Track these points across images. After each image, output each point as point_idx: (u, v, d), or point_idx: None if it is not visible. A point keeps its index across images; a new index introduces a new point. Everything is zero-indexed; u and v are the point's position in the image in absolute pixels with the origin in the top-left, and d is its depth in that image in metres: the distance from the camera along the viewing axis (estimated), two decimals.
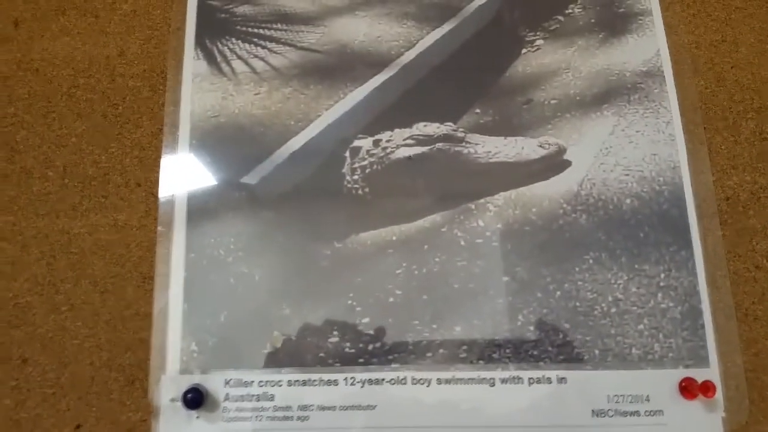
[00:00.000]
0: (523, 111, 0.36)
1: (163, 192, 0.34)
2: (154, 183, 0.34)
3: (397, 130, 0.35)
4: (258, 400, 0.30)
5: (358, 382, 0.30)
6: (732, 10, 0.39)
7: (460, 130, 0.35)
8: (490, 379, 0.31)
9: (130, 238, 0.33)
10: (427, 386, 0.30)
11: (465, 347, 0.31)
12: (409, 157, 0.35)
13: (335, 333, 0.31)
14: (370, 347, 0.31)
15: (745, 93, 0.38)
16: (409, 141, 0.35)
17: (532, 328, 0.32)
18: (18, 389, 0.31)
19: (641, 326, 0.32)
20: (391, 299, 0.32)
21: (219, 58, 0.37)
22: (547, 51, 0.38)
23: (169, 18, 0.38)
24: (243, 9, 0.38)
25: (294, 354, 0.31)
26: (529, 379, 0.31)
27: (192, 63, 0.37)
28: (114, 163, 0.35)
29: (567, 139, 0.36)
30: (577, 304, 0.32)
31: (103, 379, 0.31)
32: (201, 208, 0.33)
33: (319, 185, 0.34)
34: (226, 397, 0.30)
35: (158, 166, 0.35)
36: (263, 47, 0.37)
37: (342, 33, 0.38)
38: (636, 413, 0.30)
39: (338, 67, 0.37)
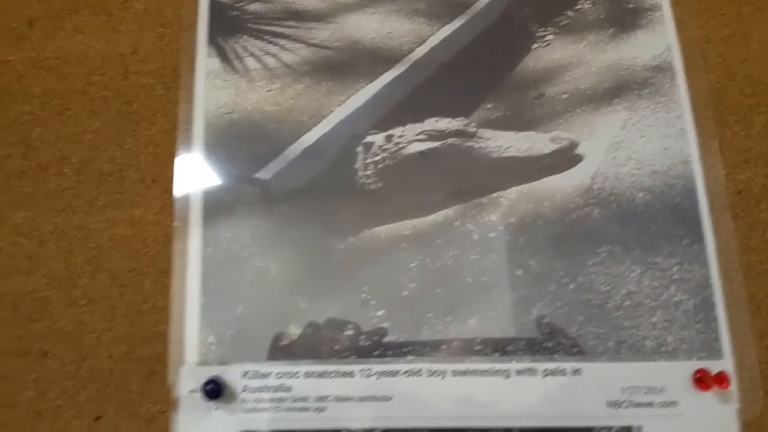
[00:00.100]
0: (534, 106, 0.37)
1: (179, 188, 0.35)
2: (170, 179, 0.35)
3: (409, 126, 0.36)
4: (275, 392, 0.31)
5: (373, 374, 0.31)
6: (742, 5, 0.40)
7: (472, 125, 0.36)
8: (505, 371, 0.31)
9: (147, 233, 0.34)
10: (442, 378, 0.31)
11: (479, 340, 0.32)
12: (422, 152, 0.35)
13: (350, 326, 0.32)
14: (385, 340, 0.32)
15: (756, 87, 0.38)
16: (421, 136, 0.35)
17: (546, 320, 0.32)
18: (38, 381, 0.32)
19: (654, 319, 0.32)
20: (405, 292, 0.32)
21: (231, 56, 0.38)
22: (558, 46, 0.39)
23: (181, 16, 0.39)
24: (254, 6, 0.39)
25: (310, 346, 0.31)
26: (544, 371, 0.31)
27: (205, 60, 0.38)
28: (129, 160, 0.36)
29: (578, 133, 0.36)
30: (591, 297, 0.33)
31: (122, 372, 0.32)
32: (216, 204, 0.34)
33: (333, 180, 0.35)
34: (244, 389, 0.31)
35: (173, 163, 0.35)
36: (275, 44, 0.38)
37: (353, 29, 0.39)
38: (650, 404, 0.31)
39: (350, 64, 0.38)
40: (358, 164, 0.35)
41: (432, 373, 0.31)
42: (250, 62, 0.38)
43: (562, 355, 0.32)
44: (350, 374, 0.31)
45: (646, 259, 0.34)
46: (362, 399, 0.31)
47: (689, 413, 0.31)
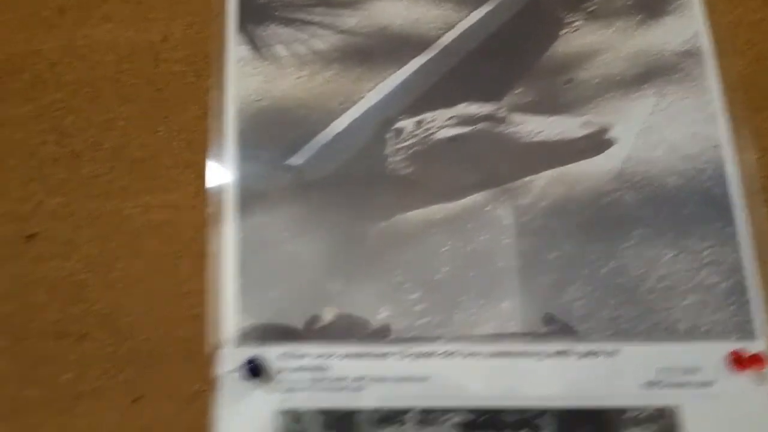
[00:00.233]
0: (564, 90, 0.37)
1: (212, 174, 0.36)
2: (202, 165, 0.36)
3: (439, 111, 0.37)
4: (312, 372, 0.31)
5: (408, 355, 0.32)
6: None
7: (503, 110, 0.37)
8: (539, 353, 0.32)
9: (182, 219, 0.35)
10: (477, 360, 0.32)
11: (513, 322, 0.32)
12: (452, 138, 0.36)
13: (385, 308, 0.33)
14: (419, 322, 0.32)
15: None
16: (452, 121, 0.36)
17: (579, 303, 0.33)
18: (77, 363, 0.33)
19: (688, 301, 0.33)
20: (438, 276, 0.33)
21: (261, 43, 0.39)
22: (586, 32, 0.39)
23: (210, 3, 0.40)
24: None
25: (346, 328, 0.32)
26: (578, 353, 0.32)
27: (234, 48, 0.38)
28: (162, 146, 0.37)
29: (609, 118, 0.37)
30: (624, 280, 0.33)
31: (161, 353, 0.33)
32: (249, 189, 0.35)
33: (364, 166, 0.36)
34: (282, 370, 0.32)
35: (205, 149, 0.36)
36: (304, 31, 0.39)
37: (381, 16, 0.39)
38: (686, 385, 0.31)
39: (379, 50, 0.38)
40: (389, 150, 0.36)
41: (466, 356, 0.32)
42: (280, 49, 0.38)
43: (596, 337, 0.32)
44: (386, 356, 0.32)
45: (678, 242, 0.34)
46: (398, 380, 0.31)
47: (725, 393, 0.31)
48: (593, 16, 0.40)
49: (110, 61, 0.39)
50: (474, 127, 0.36)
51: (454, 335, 0.32)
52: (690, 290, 0.33)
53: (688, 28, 0.39)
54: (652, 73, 0.38)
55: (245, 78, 0.38)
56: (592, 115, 0.37)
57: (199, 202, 0.35)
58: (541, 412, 0.31)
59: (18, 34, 0.40)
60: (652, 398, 0.31)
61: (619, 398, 0.31)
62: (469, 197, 0.35)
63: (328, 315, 0.33)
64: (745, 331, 0.32)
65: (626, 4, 0.40)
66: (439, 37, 0.39)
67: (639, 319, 0.33)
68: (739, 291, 0.33)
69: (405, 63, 0.38)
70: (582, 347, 0.32)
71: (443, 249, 0.34)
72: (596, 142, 0.36)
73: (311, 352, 0.32)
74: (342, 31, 0.39)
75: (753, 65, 0.39)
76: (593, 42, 0.39)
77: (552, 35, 0.39)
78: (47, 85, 0.39)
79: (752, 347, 0.32)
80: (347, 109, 0.37)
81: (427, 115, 0.37)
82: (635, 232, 0.34)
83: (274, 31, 0.39)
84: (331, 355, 0.32)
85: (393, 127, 0.36)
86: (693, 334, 0.32)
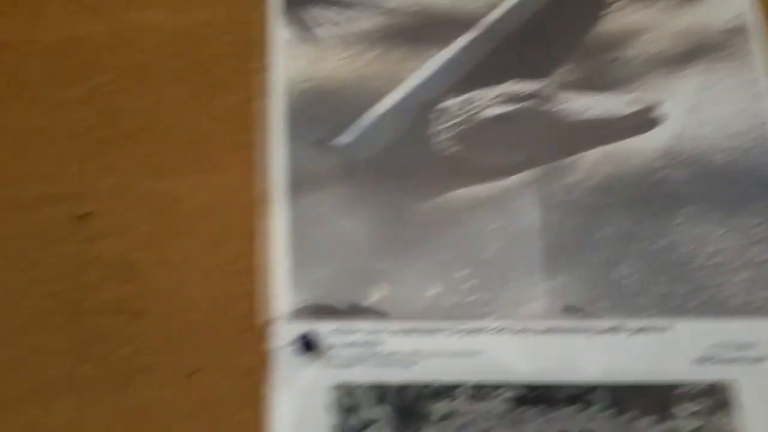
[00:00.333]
0: (611, 68, 0.38)
1: (260, 154, 0.36)
2: (251, 146, 0.37)
3: (485, 89, 0.37)
4: (364, 348, 0.32)
5: (458, 331, 0.33)
6: None
7: (549, 88, 0.37)
8: (590, 330, 0.32)
9: (232, 199, 0.36)
10: (527, 337, 0.32)
11: (563, 300, 0.33)
12: (499, 116, 0.36)
13: (434, 285, 0.33)
14: (469, 299, 0.33)
15: None
16: (498, 100, 0.37)
17: (630, 280, 0.33)
18: (132, 340, 0.34)
19: (739, 278, 0.33)
20: (487, 254, 0.34)
21: (305, 24, 0.39)
22: (631, 10, 0.39)
23: None
24: None
25: (397, 305, 0.33)
26: (630, 329, 0.32)
27: (279, 30, 0.39)
28: (210, 128, 0.38)
29: (656, 95, 0.37)
30: (675, 257, 0.34)
31: (214, 329, 0.34)
32: (297, 169, 0.36)
33: (409, 145, 0.36)
34: (334, 345, 0.32)
35: (253, 130, 0.37)
36: (348, 12, 0.40)
37: None
38: (739, 360, 0.32)
39: (423, 29, 0.39)
40: (434, 129, 0.36)
41: (517, 332, 0.32)
42: (324, 31, 0.39)
43: (647, 314, 0.33)
44: (436, 332, 0.33)
45: (727, 220, 0.34)
46: (449, 355, 0.32)
47: None
48: None
49: (157, 44, 0.40)
50: (520, 105, 0.37)
51: (504, 312, 0.33)
52: (741, 267, 0.33)
53: (733, 5, 0.39)
54: (698, 50, 0.38)
55: (290, 60, 0.38)
56: (640, 93, 0.37)
57: (249, 183, 0.36)
58: (593, 388, 0.31)
59: (67, 18, 0.41)
60: (704, 373, 0.31)
61: (672, 373, 0.32)
62: (516, 176, 0.35)
63: (378, 292, 0.33)
64: None
65: None
66: (483, 15, 0.39)
67: (690, 295, 0.33)
68: None
69: (449, 42, 0.38)
70: (633, 324, 0.32)
71: (491, 227, 0.34)
72: (644, 120, 0.36)
73: (363, 327, 0.33)
74: (386, 12, 0.39)
75: None
76: (638, 20, 0.39)
77: (597, 13, 0.39)
78: (95, 68, 0.40)
79: None
80: (392, 89, 0.37)
81: (473, 94, 0.37)
82: (684, 210, 0.35)
83: (318, 12, 0.40)
84: (382, 331, 0.33)
85: (439, 106, 0.37)
86: (745, 310, 0.33)
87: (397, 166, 0.36)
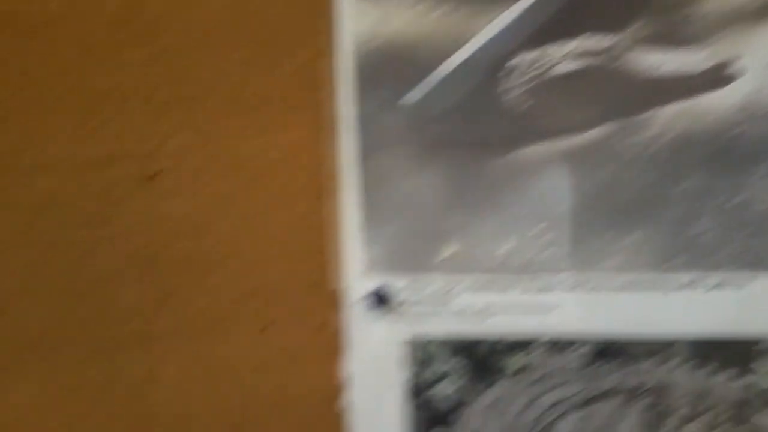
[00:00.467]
0: (686, 23, 0.37)
1: (329, 113, 0.37)
2: (320, 104, 0.37)
3: (556, 45, 0.37)
4: (437, 303, 0.33)
5: (532, 287, 0.33)
6: None
7: (623, 43, 0.37)
8: (668, 285, 0.33)
9: (300, 158, 0.37)
10: (602, 293, 0.33)
11: (640, 255, 0.33)
12: (572, 72, 0.37)
13: (508, 240, 0.34)
14: (544, 254, 0.34)
15: None
16: (570, 55, 0.37)
17: (707, 235, 0.33)
18: (206, 295, 0.36)
19: None
20: (562, 208, 0.34)
21: None
22: None
23: None
24: None
25: (468, 261, 0.34)
26: (708, 284, 0.33)
27: None
28: (278, 87, 0.38)
29: (733, 50, 0.37)
30: (752, 212, 0.34)
31: (287, 285, 0.35)
32: (366, 127, 0.36)
33: (481, 101, 0.37)
34: (407, 300, 0.33)
35: (322, 88, 0.38)
36: None
37: None
38: None
39: None
40: (506, 86, 0.37)
41: (593, 288, 0.33)
42: None
43: (724, 270, 0.33)
44: (509, 287, 0.33)
45: None
46: (523, 311, 0.33)
47: None
48: None
49: (221, 4, 0.41)
50: (594, 60, 0.37)
51: (579, 268, 0.33)
52: None
53: None
54: None
55: (358, 18, 0.39)
56: (716, 48, 0.37)
57: (316, 142, 0.37)
58: (670, 343, 0.32)
59: None
60: None
61: (752, 329, 0.32)
62: (589, 132, 0.36)
63: (449, 248, 0.34)
64: None
65: None
66: None
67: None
68: None
69: None
70: (711, 279, 0.33)
71: (566, 182, 0.35)
72: (720, 76, 0.36)
73: (437, 281, 0.34)
74: None
75: None
76: None
77: None
78: (159, 31, 0.41)
79: None
80: (462, 45, 0.38)
81: (546, 49, 0.37)
82: (761, 165, 0.35)
83: None
84: (455, 286, 0.33)
85: (510, 62, 0.37)
86: None
87: (467, 124, 0.36)
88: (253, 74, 0.39)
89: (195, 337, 0.35)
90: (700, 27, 0.37)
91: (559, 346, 0.32)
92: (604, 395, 0.31)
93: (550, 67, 0.37)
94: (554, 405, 0.32)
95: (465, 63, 0.37)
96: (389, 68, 0.38)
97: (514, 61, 0.37)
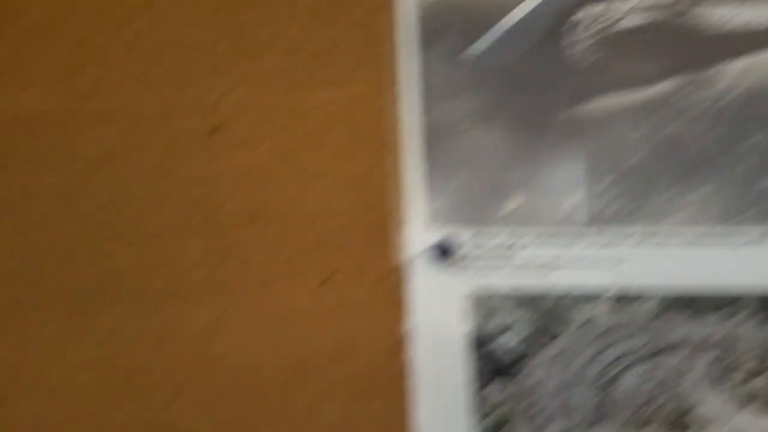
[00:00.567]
0: None
1: (392, 64, 0.38)
2: (382, 57, 0.38)
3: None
4: (502, 255, 0.34)
5: (600, 240, 0.33)
6: None
7: None
8: (736, 240, 0.33)
9: (364, 109, 0.37)
10: (670, 247, 0.33)
11: (707, 210, 0.34)
12: (639, 25, 0.36)
13: (575, 193, 0.34)
14: (611, 207, 0.34)
15: None
16: (638, 8, 0.37)
17: None
18: (269, 245, 0.36)
19: None
20: (630, 162, 0.34)
21: None
22: None
23: None
24: None
25: (535, 213, 0.34)
26: None
27: None
28: (340, 39, 0.39)
29: None
30: None
31: (351, 235, 0.36)
32: (429, 79, 0.37)
33: (546, 54, 0.37)
34: (471, 252, 0.34)
35: (384, 41, 0.38)
36: None
37: None
38: None
39: None
40: (571, 38, 0.37)
41: (660, 242, 0.33)
42: None
43: None
44: (576, 240, 0.34)
45: None
46: (589, 264, 0.33)
47: None
48: None
49: None
50: (662, 14, 0.36)
51: (648, 222, 0.34)
52: None
53: None
54: None
55: None
56: None
57: (379, 95, 0.37)
58: (738, 297, 0.32)
59: None
60: None
61: None
62: (656, 86, 0.36)
63: (514, 201, 0.34)
64: None
65: None
66: None
67: None
68: None
69: None
70: None
71: (634, 136, 0.35)
72: None
73: (500, 234, 0.34)
74: None
75: None
76: None
77: None
78: None
79: None
80: None
81: (610, 4, 0.37)
82: None
83: None
84: (520, 238, 0.34)
85: (575, 15, 0.37)
86: None
87: (532, 77, 0.36)
88: (314, 27, 0.39)
89: (257, 288, 0.36)
90: None
91: (625, 300, 0.33)
92: (671, 348, 0.32)
93: (616, 22, 0.37)
94: (620, 357, 0.32)
95: (529, 15, 0.37)
96: (452, 21, 0.38)
97: (578, 15, 0.37)
